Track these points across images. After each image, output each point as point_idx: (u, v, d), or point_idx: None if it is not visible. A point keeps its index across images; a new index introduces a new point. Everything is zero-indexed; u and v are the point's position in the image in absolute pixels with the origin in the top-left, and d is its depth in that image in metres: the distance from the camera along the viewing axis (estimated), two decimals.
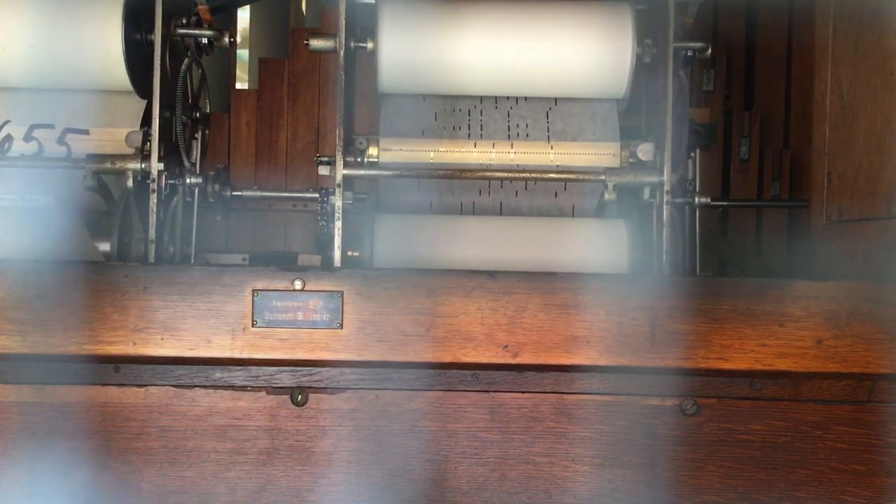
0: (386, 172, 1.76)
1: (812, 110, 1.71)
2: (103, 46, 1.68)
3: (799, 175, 2.04)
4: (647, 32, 1.78)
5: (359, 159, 1.79)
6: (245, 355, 1.25)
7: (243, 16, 3.52)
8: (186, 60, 1.77)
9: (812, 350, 1.27)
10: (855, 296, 1.27)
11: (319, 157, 1.79)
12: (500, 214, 1.84)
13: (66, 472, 1.27)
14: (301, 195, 2.11)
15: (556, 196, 1.84)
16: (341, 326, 1.25)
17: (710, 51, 1.77)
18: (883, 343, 1.27)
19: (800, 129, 2.08)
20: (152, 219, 1.63)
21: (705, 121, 2.43)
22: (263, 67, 2.92)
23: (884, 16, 1.52)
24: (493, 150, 1.81)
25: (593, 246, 1.72)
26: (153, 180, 1.63)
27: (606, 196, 1.71)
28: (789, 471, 1.30)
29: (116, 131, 1.70)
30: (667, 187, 1.69)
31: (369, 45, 1.76)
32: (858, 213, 1.55)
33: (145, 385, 1.28)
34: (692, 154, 1.82)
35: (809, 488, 1.31)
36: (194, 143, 1.85)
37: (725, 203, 2.16)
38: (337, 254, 1.67)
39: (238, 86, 3.33)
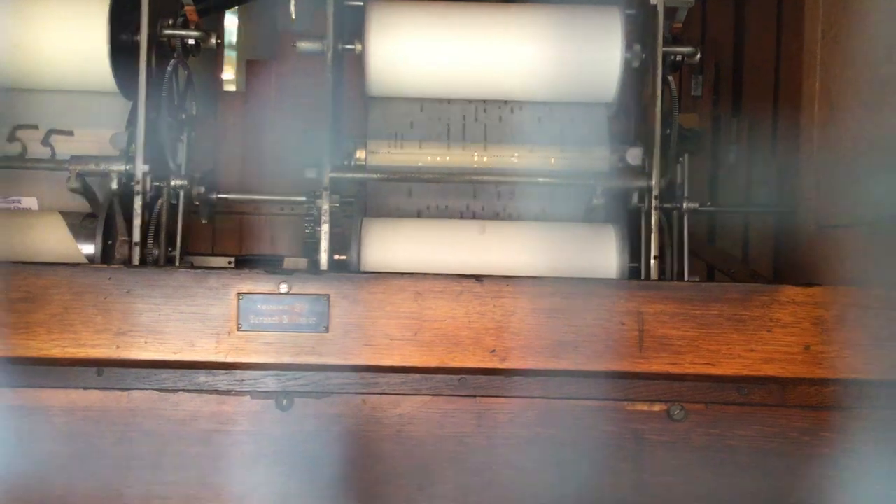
0: (374, 175, 1.75)
1: (800, 116, 1.71)
2: (89, 47, 1.66)
3: (787, 181, 2.04)
4: (636, 37, 1.78)
5: (346, 162, 1.78)
6: (230, 359, 1.24)
7: (231, 18, 3.51)
8: (172, 62, 1.76)
9: (799, 355, 1.26)
10: (842, 301, 1.27)
11: (307, 159, 1.77)
12: (490, 219, 1.83)
13: (46, 477, 1.26)
14: (288, 198, 2.09)
15: (545, 199, 1.83)
16: (327, 330, 1.24)
17: (698, 56, 1.77)
18: (869, 349, 1.27)
19: (787, 135, 2.08)
20: (136, 221, 1.61)
21: (693, 126, 2.43)
22: (251, 69, 2.91)
23: (871, 24, 1.52)
24: (483, 154, 1.80)
25: (581, 250, 1.71)
26: (138, 182, 1.61)
27: (595, 200, 1.70)
28: (777, 477, 1.30)
29: (101, 133, 1.69)
30: (655, 192, 1.69)
31: (357, 47, 1.75)
32: (846, 218, 1.55)
33: (128, 389, 1.27)
34: (680, 159, 1.82)
35: (797, 494, 1.31)
36: (180, 145, 1.83)
37: (714, 208, 2.16)
38: (323, 257, 1.66)
39: (225, 88, 3.31)
